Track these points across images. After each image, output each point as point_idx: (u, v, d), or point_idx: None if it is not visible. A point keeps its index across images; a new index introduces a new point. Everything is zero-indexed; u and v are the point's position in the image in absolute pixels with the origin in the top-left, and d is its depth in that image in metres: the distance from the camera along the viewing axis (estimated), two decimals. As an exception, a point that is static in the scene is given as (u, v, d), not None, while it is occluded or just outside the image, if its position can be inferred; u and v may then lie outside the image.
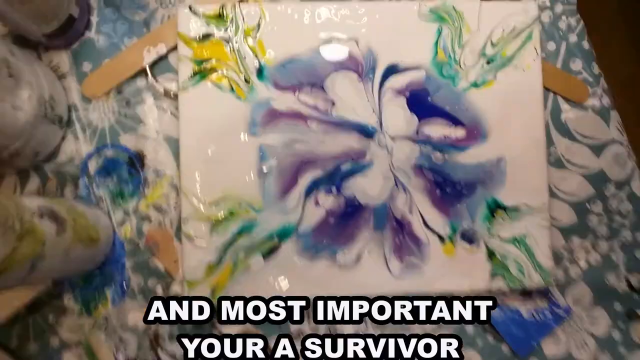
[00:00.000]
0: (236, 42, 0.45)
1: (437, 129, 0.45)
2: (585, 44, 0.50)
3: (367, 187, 0.44)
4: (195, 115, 0.44)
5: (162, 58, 0.48)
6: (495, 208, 0.44)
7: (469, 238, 0.44)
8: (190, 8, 0.45)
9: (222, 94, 0.44)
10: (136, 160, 0.46)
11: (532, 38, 0.46)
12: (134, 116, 0.47)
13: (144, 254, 0.46)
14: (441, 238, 0.44)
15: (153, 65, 0.48)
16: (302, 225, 0.43)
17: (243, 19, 0.45)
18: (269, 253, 0.43)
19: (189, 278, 0.42)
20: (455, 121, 0.45)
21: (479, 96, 0.45)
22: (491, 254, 0.44)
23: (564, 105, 0.49)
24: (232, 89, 0.44)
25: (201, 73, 0.44)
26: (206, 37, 0.45)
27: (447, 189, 0.45)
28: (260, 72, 0.45)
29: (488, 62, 0.46)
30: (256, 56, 0.45)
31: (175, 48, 0.47)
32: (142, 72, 0.48)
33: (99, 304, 0.45)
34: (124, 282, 0.45)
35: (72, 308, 0.45)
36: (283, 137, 0.44)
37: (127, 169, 0.46)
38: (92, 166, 0.46)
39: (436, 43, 0.46)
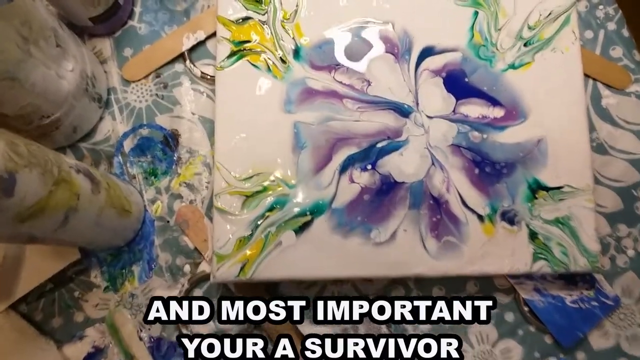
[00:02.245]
0: (274, 25, 0.45)
1: (474, 109, 0.44)
2: (625, 32, 0.49)
3: (403, 165, 0.43)
4: (231, 93, 0.44)
5: (200, 44, 0.49)
6: (536, 189, 0.42)
7: (510, 219, 0.42)
8: (230, -7, 0.46)
9: (258, 72, 0.44)
10: (170, 139, 0.46)
11: (569, 22, 0.45)
12: (171, 98, 0.47)
13: (174, 232, 0.45)
14: (480, 217, 0.42)
15: (191, 50, 0.49)
16: (336, 201, 0.42)
17: (281, 3, 0.46)
18: (301, 229, 0.42)
19: (218, 252, 0.41)
20: (493, 101, 0.44)
21: (518, 77, 0.44)
22: (533, 236, 0.41)
23: (604, 91, 0.48)
24: (268, 68, 0.45)
25: (239, 53, 0.45)
26: (245, 20, 0.46)
27: (486, 169, 0.43)
28: (296, 52, 0.45)
29: (525, 45, 0.45)
30: (293, 38, 0.45)
31: (213, 35, 0.48)
32: (181, 57, 0.48)
33: (126, 280, 0.43)
34: (152, 260, 0.44)
35: (99, 284, 0.44)
36: (318, 115, 0.44)
37: (162, 148, 0.46)
38: (128, 145, 0.46)
39: (472, 26, 0.46)
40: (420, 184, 0.42)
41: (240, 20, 0.46)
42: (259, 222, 0.42)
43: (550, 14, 0.46)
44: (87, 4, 0.44)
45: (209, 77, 0.48)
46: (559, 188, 0.42)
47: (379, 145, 0.43)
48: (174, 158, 0.46)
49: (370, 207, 0.42)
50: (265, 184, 0.42)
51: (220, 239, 0.41)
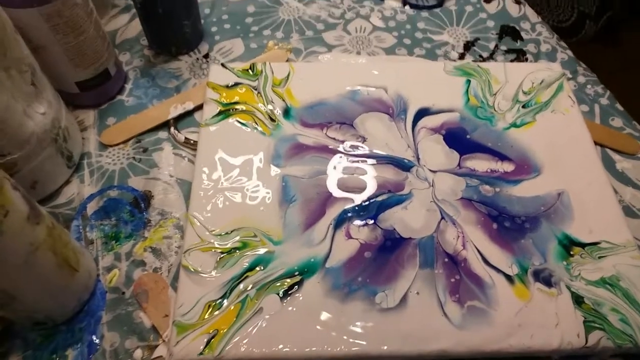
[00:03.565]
0: (264, 89, 0.44)
1: (481, 163, 0.40)
2: (619, 106, 0.48)
3: (409, 219, 0.36)
4: (214, 145, 0.40)
5: (187, 114, 0.46)
6: (569, 245, 0.35)
7: (546, 279, 0.34)
8: (222, 64, 0.46)
9: (245, 129, 0.41)
10: (141, 201, 0.40)
11: (563, 89, 0.44)
12: (149, 161, 0.43)
13: (129, 306, 0.35)
14: (509, 278, 0.34)
15: (177, 120, 0.46)
16: (331, 259, 0.34)
17: (272, 72, 0.45)
18: (287, 293, 0.33)
19: (180, 321, 0.31)
20: (500, 156, 0.40)
21: (522, 135, 0.41)
22: (578, 300, 0.33)
23: (615, 156, 0.44)
24: (256, 125, 0.41)
25: (226, 113, 0.42)
26: (235, 85, 0.44)
27: (505, 223, 0.36)
28: (287, 112, 0.42)
29: (524, 107, 0.43)
30: (283, 100, 0.43)
31: (202, 107, 0.46)
32: (165, 125, 0.45)
33: (54, 368, 0.32)
34: (92, 343, 0.34)
35: (17, 373, 0.32)
36: (309, 169, 0.39)
37: (130, 210, 0.40)
38: (92, 208, 0.40)
39: (467, 91, 0.44)
40: (431, 239, 0.35)
41: (230, 85, 0.44)
42: (234, 284, 0.33)
43: (542, 81, 0.45)
44: (75, 64, 0.42)
45: (192, 142, 0.44)
46: (595, 244, 0.35)
47: (379, 198, 0.37)
48: (143, 220, 0.39)
49: (373, 266, 0.34)
50: (246, 239, 0.35)
51: (184, 304, 0.32)
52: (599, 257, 0.35)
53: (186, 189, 0.41)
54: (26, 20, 0.37)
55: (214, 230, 0.35)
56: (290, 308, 0.32)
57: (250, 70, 0.45)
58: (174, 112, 0.46)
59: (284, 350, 0.30)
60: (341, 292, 0.33)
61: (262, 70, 0.45)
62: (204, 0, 0.56)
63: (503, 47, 0.53)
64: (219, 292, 0.33)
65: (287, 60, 0.48)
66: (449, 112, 0.43)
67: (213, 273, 0.33)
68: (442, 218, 0.37)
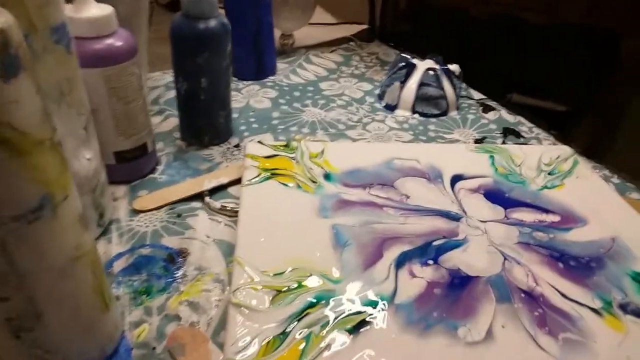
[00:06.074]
0: (302, 160, 0.45)
1: (528, 215, 0.39)
2: (630, 184, 0.50)
3: (471, 261, 0.34)
4: (257, 200, 0.38)
5: (221, 188, 0.46)
6: (643, 281, 0.33)
7: (635, 312, 0.31)
8: (259, 142, 0.47)
9: (288, 189, 0.40)
10: (176, 256, 0.37)
11: (579, 162, 0.47)
12: (184, 224, 0.41)
13: (161, 360, 0.29)
14: (595, 311, 0.30)
15: (211, 192, 0.45)
16: (399, 296, 0.31)
17: (308, 148, 0.47)
18: (356, 328, 0.28)
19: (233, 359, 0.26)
20: (543, 210, 0.40)
21: (556, 194, 0.42)
22: (678, 330, 0.29)
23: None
24: (299, 186, 0.41)
25: (267, 176, 0.42)
26: (273, 155, 0.45)
27: (571, 262, 0.34)
28: (327, 176, 0.43)
29: (550, 174, 0.45)
30: (322, 168, 0.44)
31: (237, 181, 0.46)
32: (198, 197, 0.44)
33: None
34: (115, 405, 0.27)
35: None
36: (359, 219, 0.37)
37: (164, 265, 0.36)
38: (119, 265, 0.36)
39: (493, 163, 0.46)
40: (500, 277, 0.32)
41: (269, 155, 0.45)
42: (295, 320, 0.28)
43: (558, 156, 0.48)
44: (119, 131, 0.43)
45: (229, 208, 0.42)
46: (669, 279, 0.33)
47: (436, 243, 0.35)
48: (178, 274, 0.35)
49: (446, 302, 0.30)
50: (302, 278, 0.31)
51: (237, 341, 0.27)
52: (679, 291, 0.32)
53: (225, 248, 0.38)
54: (89, 79, 0.39)
55: (265, 271, 0.32)
56: (361, 344, 0.27)
57: (286, 147, 0.46)
58: (208, 185, 0.45)
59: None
60: (418, 327, 0.28)
61: (297, 147, 0.46)
62: (232, 107, 0.60)
63: (510, 143, 0.57)
64: (278, 328, 0.28)
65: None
66: (483, 177, 0.44)
67: (268, 309, 0.29)
68: (505, 259, 0.34)
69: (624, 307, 0.31)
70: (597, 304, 0.31)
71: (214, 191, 0.45)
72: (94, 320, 0.27)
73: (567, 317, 0.30)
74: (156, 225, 0.40)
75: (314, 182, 0.41)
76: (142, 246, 0.37)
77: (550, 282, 0.32)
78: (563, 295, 0.31)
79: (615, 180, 0.51)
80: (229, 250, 0.38)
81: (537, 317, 0.29)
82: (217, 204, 0.43)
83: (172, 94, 0.61)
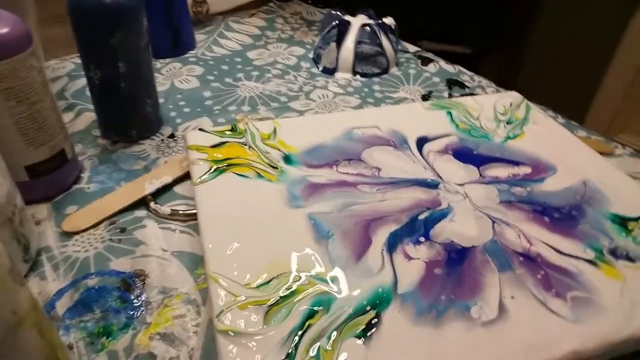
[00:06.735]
0: (254, 144, 0.39)
1: (501, 171, 0.38)
2: (574, 122, 0.51)
3: (461, 230, 0.32)
4: (216, 200, 0.33)
5: (165, 189, 0.40)
6: (622, 222, 0.33)
7: (625, 256, 0.30)
8: (200, 129, 0.41)
9: (248, 181, 0.35)
10: (132, 282, 0.31)
11: (532, 108, 0.47)
12: (132, 240, 0.34)
13: (145, 415, 0.24)
14: (590, 262, 0.30)
15: (155, 195, 0.39)
16: (401, 285, 0.28)
17: (257, 129, 0.41)
18: (365, 332, 0.25)
19: (242, 399, 0.21)
20: (513, 162, 0.39)
21: (520, 144, 0.41)
22: (667, 267, 0.30)
23: (598, 156, 0.45)
24: (259, 175, 0.36)
25: (219, 169, 0.36)
26: (221, 144, 0.39)
27: (555, 215, 0.34)
28: (287, 159, 0.38)
29: (508, 123, 0.44)
30: (279, 150, 0.39)
31: (183, 178, 0.40)
32: (141, 204, 0.38)
33: None
34: None
35: None
36: (335, 204, 0.34)
37: (119, 295, 0.30)
38: (63, 305, 0.29)
39: (452, 120, 0.44)
40: (494, 243, 0.31)
41: (216, 144, 0.39)
42: (297, 337, 0.24)
43: (511, 104, 0.47)
44: (28, 140, 0.34)
45: (181, 212, 0.37)
46: (644, 216, 0.33)
47: (421, 217, 0.33)
48: (139, 304, 0.29)
49: (450, 281, 0.28)
50: (292, 285, 0.27)
51: (238, 378, 0.22)
52: (656, 226, 0.32)
53: (187, 261, 0.32)
54: (-27, 82, 0.30)
55: (248, 284, 0.27)
56: (377, 349, 0.24)
57: (232, 131, 0.40)
58: (149, 188, 0.39)
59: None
60: (429, 316, 0.26)
61: (245, 129, 0.41)
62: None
63: (456, 94, 0.56)
64: (280, 350, 0.24)
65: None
66: (447, 136, 0.41)
67: (265, 329, 0.25)
68: (494, 222, 0.32)
69: (614, 253, 0.30)
70: (590, 254, 0.30)
71: (158, 194, 0.39)
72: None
73: (568, 274, 0.29)
74: (98, 247, 0.33)
75: (274, 167, 0.36)
76: (86, 276, 0.31)
77: (542, 240, 0.31)
78: (558, 251, 0.30)
79: (561, 120, 0.52)
80: (193, 263, 0.32)
81: (541, 281, 0.28)
82: (166, 209, 0.37)
83: (80, 83, 0.52)
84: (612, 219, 0.33)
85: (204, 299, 0.30)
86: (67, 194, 0.39)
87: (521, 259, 0.30)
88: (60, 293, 0.30)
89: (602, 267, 0.29)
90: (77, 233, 0.34)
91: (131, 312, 0.29)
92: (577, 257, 0.30)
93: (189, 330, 0.28)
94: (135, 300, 0.29)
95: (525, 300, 0.27)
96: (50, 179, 0.37)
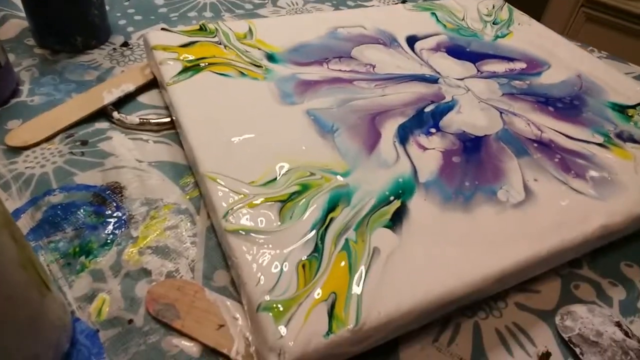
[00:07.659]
0: (230, 43, 0.34)
1: (497, 66, 0.36)
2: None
3: (471, 120, 0.29)
4: (195, 101, 0.28)
5: (128, 99, 0.33)
6: (621, 109, 0.32)
7: (630, 139, 0.30)
8: (163, 28, 0.35)
9: (231, 79, 0.30)
10: (107, 196, 0.25)
11: (514, 10, 0.44)
12: (97, 152, 0.29)
13: (149, 336, 0.20)
14: (601, 145, 0.29)
15: (116, 105, 0.33)
16: (421, 174, 0.25)
17: (231, 29, 0.36)
18: (394, 222, 0.22)
19: (270, 302, 0.18)
20: (507, 58, 0.36)
21: (510, 42, 0.39)
22: (671, 146, 0.29)
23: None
24: (243, 74, 0.31)
25: (195, 68, 0.31)
26: (192, 43, 0.33)
27: (558, 104, 0.32)
28: (271, 57, 0.33)
29: (494, 23, 0.41)
30: (259, 49, 0.34)
31: (146, 87, 0.34)
32: (100, 116, 0.32)
33: None
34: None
35: None
36: (333, 99, 0.30)
37: (93, 210, 0.25)
38: (24, 225, 0.24)
39: (438, 20, 0.41)
40: (506, 132, 0.29)
41: (187, 44, 0.33)
42: (322, 231, 0.21)
43: (493, 6, 0.44)
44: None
45: (152, 121, 0.31)
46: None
47: (427, 109, 0.30)
48: (121, 218, 0.24)
49: (471, 168, 0.26)
50: (304, 180, 0.23)
51: (263, 277, 0.19)
52: (653, 112, 0.32)
53: (170, 170, 0.28)
54: None
55: (253, 181, 0.23)
56: (408, 236, 0.21)
57: (201, 30, 0.35)
58: (109, 97, 0.32)
59: (441, 289, 0.19)
60: (457, 202, 0.23)
61: (216, 29, 0.35)
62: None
63: None
64: (305, 246, 0.20)
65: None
66: (436, 35, 0.38)
67: (282, 226, 0.21)
68: (501, 113, 0.30)
69: (620, 137, 0.30)
70: (599, 138, 0.29)
71: (119, 104, 0.33)
72: (34, 310, 0.16)
73: (582, 156, 0.27)
74: (56, 162, 0.27)
75: (258, 66, 0.32)
76: (47, 193, 0.25)
77: (551, 127, 0.29)
78: (568, 136, 0.29)
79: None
80: (176, 173, 0.28)
81: (559, 164, 0.27)
82: (134, 119, 0.31)
83: (2, -16, 0.42)
84: (612, 107, 0.32)
85: (198, 208, 0.25)
86: (5, 108, 0.32)
87: (535, 145, 0.28)
88: (16, 213, 0.24)
89: (612, 149, 0.28)
90: (26, 148, 0.28)
91: (112, 227, 0.24)
92: (587, 142, 0.29)
93: (185, 241, 0.24)
94: (114, 214, 0.24)
95: (548, 182, 0.25)
96: (-20, 87, 0.30)
